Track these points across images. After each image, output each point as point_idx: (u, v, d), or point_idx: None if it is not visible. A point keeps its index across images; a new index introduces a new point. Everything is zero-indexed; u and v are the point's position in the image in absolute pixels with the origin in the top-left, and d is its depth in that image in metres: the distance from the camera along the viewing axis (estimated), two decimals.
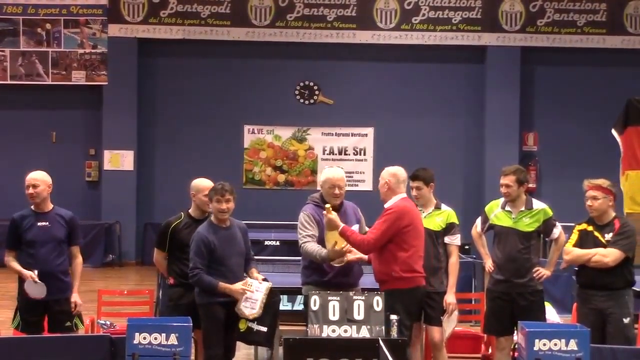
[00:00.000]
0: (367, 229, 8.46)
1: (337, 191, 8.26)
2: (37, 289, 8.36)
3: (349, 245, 8.09)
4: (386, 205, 8.29)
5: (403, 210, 8.13)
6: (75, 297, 8.53)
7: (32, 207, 8.57)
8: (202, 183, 8.63)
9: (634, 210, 13.37)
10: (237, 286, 8.02)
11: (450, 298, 8.69)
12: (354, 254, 8.26)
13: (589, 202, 8.37)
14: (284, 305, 9.78)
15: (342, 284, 8.14)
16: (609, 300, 8.23)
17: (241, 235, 8.28)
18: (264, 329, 8.06)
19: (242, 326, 8.09)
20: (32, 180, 8.52)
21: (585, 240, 8.38)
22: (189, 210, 8.69)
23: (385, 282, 8.13)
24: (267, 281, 8.23)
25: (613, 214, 8.41)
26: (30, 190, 8.50)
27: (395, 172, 8.35)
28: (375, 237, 8.07)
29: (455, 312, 8.82)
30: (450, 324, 8.83)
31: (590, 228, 8.40)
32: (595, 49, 19.50)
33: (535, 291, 8.67)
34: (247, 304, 8.03)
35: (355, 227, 8.32)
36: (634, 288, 8.69)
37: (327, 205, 8.15)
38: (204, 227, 8.17)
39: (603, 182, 8.39)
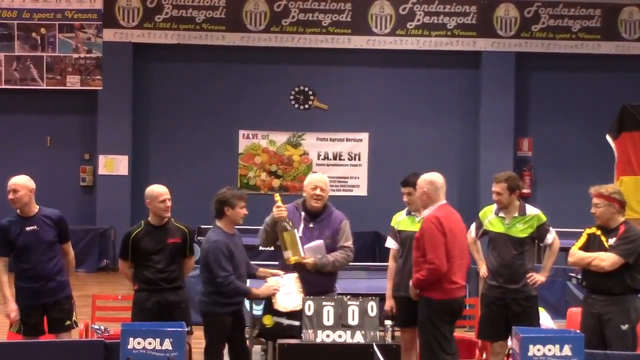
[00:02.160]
0: (348, 243, 8.39)
1: (318, 192, 8.28)
2: None
3: (304, 259, 8.13)
4: (422, 215, 8.24)
5: (440, 221, 8.03)
6: None
7: (18, 211, 8.56)
8: (155, 190, 8.69)
9: (628, 216, 13.34)
10: (265, 288, 8.09)
11: None
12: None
13: (592, 209, 8.39)
14: None
15: (307, 293, 8.05)
16: (609, 306, 8.22)
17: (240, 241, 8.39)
18: (297, 323, 8.10)
19: (268, 322, 8.09)
20: (13, 185, 8.49)
21: (592, 244, 8.39)
22: (149, 218, 8.71)
23: (423, 289, 8.10)
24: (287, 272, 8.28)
25: (621, 220, 8.40)
26: (11, 196, 8.47)
27: (432, 179, 8.28)
28: (433, 257, 7.95)
29: None
30: None
31: (598, 232, 8.41)
32: (590, 54, 19.53)
33: (530, 297, 8.68)
34: (285, 298, 8.04)
35: (316, 243, 8.24)
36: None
37: (277, 196, 8.32)
38: (217, 234, 8.16)
39: (606, 190, 8.37)
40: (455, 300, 8.09)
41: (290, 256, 8.08)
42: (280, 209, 8.20)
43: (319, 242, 8.20)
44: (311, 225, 8.26)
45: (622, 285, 8.23)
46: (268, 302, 8.26)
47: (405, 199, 8.90)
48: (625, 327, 8.17)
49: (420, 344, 8.33)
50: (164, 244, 8.53)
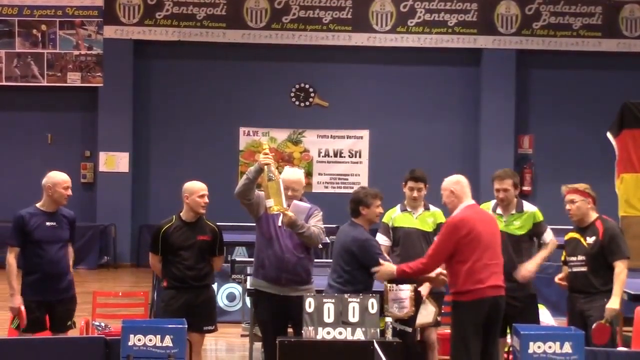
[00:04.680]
0: (320, 225, 8.31)
1: (289, 192, 8.18)
2: None
3: (286, 210, 7.99)
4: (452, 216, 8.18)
5: (461, 220, 7.88)
6: None
7: (40, 206, 8.56)
8: (196, 185, 8.65)
9: (629, 213, 13.39)
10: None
11: (422, 289, 8.64)
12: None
13: (567, 207, 8.43)
14: None
15: (286, 281, 8.15)
16: (589, 303, 8.25)
17: None
18: (410, 329, 8.06)
19: (381, 324, 8.13)
20: (70, 182, 8.61)
21: (575, 249, 8.43)
22: (180, 213, 8.68)
23: (453, 295, 8.00)
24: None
25: (594, 216, 8.44)
26: (69, 192, 8.57)
27: (459, 180, 8.13)
28: (431, 253, 7.95)
29: (432, 308, 8.68)
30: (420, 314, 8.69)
31: (575, 235, 8.47)
32: (591, 52, 19.52)
33: (528, 294, 8.67)
34: (395, 304, 8.07)
35: (304, 205, 8.19)
36: (628, 291, 8.71)
37: (265, 143, 8.29)
38: (362, 232, 8.15)
39: (580, 185, 8.45)
40: (484, 300, 7.81)
41: (272, 205, 7.99)
42: (267, 156, 8.13)
43: (307, 206, 8.19)
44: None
45: (601, 282, 8.25)
46: (380, 306, 8.28)
47: (415, 194, 8.88)
48: (601, 322, 8.16)
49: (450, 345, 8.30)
50: (194, 240, 8.54)
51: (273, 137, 19.72)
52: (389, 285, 8.05)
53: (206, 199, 8.61)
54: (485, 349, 7.87)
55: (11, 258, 8.45)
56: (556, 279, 8.72)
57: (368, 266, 8.03)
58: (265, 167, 8.02)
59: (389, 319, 7.70)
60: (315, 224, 8.22)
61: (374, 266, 8.03)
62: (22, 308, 8.36)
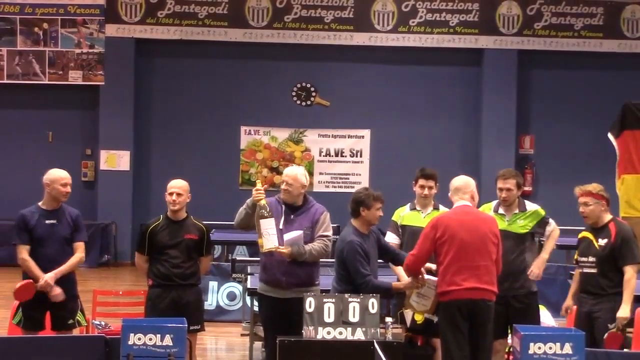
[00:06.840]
0: (327, 233, 8.33)
1: (284, 186, 8.28)
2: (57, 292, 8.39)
3: (279, 248, 8.05)
4: None
5: (437, 221, 7.96)
6: (48, 276, 8.38)
7: (42, 204, 8.57)
8: (171, 182, 8.75)
9: (629, 214, 13.37)
10: (409, 282, 8.20)
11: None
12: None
13: (580, 209, 8.42)
14: None
15: (287, 284, 8.19)
16: (597, 304, 8.25)
17: None
18: (437, 318, 8.11)
19: (419, 318, 8.20)
20: (69, 179, 8.60)
21: (587, 249, 8.43)
22: (167, 213, 8.73)
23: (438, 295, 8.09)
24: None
25: (608, 217, 8.43)
26: (68, 189, 8.55)
27: (452, 182, 8.20)
28: (413, 251, 8.05)
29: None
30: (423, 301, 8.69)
31: (588, 235, 8.47)
32: (592, 52, 19.52)
33: (530, 293, 8.68)
34: (418, 299, 8.14)
35: (296, 234, 8.14)
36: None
37: (258, 181, 8.41)
38: (351, 234, 8.22)
39: (594, 187, 8.41)
40: (458, 301, 7.78)
41: (263, 244, 8.07)
42: (259, 192, 8.18)
43: (298, 233, 8.19)
44: (291, 217, 8.28)
45: (610, 284, 8.24)
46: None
47: (426, 192, 8.92)
48: (612, 325, 8.15)
49: None
50: (181, 238, 8.59)
51: (274, 136, 19.72)
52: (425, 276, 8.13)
53: (174, 196, 8.61)
54: (474, 354, 7.84)
55: (23, 254, 8.46)
56: (563, 310, 8.76)
57: (348, 269, 8.12)
58: (259, 203, 8.08)
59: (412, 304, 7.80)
60: (322, 234, 8.27)
61: (352, 272, 8.09)
62: (43, 282, 8.32)
